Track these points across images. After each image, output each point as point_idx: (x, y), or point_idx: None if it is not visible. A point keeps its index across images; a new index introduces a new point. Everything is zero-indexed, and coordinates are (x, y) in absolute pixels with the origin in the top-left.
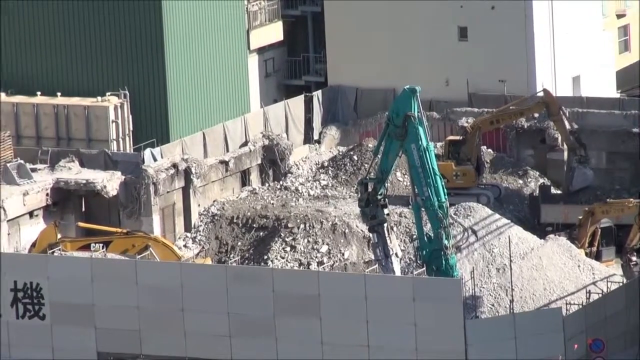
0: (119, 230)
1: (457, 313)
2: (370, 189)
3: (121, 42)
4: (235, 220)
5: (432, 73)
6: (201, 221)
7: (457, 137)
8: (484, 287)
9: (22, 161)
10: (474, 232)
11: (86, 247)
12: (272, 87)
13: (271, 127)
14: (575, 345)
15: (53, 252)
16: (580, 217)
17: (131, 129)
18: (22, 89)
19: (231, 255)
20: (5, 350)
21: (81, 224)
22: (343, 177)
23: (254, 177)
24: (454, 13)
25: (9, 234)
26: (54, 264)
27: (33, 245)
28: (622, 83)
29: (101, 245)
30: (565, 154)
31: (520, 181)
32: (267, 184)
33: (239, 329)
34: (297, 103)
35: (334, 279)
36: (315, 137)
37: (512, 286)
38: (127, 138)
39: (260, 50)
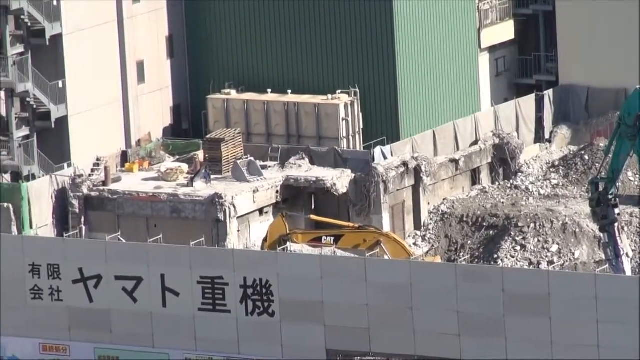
0: (351, 224)
1: None
2: (601, 189)
3: (352, 40)
4: (465, 219)
5: None
6: (431, 219)
7: None
8: None
9: (252, 158)
10: None
11: (317, 240)
12: (502, 86)
13: (502, 126)
14: None
15: (284, 249)
16: None
17: (361, 126)
18: (252, 86)
19: (461, 254)
20: (234, 347)
21: (313, 217)
22: (574, 176)
23: (484, 176)
24: None
25: (238, 231)
26: (283, 261)
27: (265, 239)
28: None
29: (332, 238)
30: None
31: None
32: (497, 183)
33: (468, 328)
34: (528, 102)
35: (564, 279)
36: (546, 136)
37: None
38: (357, 136)
39: (491, 49)
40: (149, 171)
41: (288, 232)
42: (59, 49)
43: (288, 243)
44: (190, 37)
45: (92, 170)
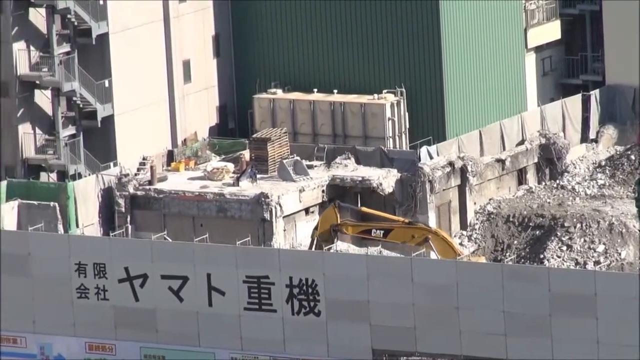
0: (401, 219)
1: None
2: None
3: (398, 40)
4: (511, 219)
5: None
6: (477, 219)
7: None
8: None
9: (298, 158)
10: None
11: (366, 233)
12: (549, 86)
13: (548, 126)
14: None
15: (329, 248)
16: None
17: (407, 126)
18: (299, 85)
19: (507, 254)
20: (280, 346)
21: (364, 209)
22: (620, 176)
23: (531, 176)
24: None
25: (284, 230)
26: (329, 260)
27: (315, 228)
28: None
29: (381, 232)
30: None
31: None
32: (543, 183)
33: (514, 327)
34: (574, 102)
35: (610, 279)
36: (592, 136)
37: None
38: (403, 136)
39: (538, 49)
40: (195, 170)
41: (339, 222)
42: (106, 48)
43: (336, 239)
44: (237, 36)
45: (138, 170)
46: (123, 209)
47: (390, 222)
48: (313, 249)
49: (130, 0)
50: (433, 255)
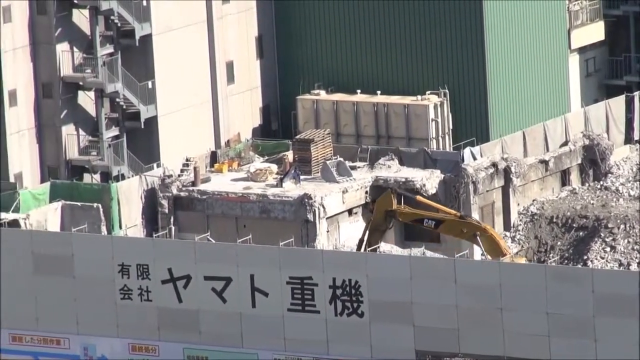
0: (453, 212)
1: None
2: None
3: (441, 41)
4: (554, 220)
5: None
6: (520, 220)
7: None
8: None
9: (341, 159)
10: None
11: (419, 222)
12: (592, 87)
13: (592, 127)
14: None
15: (375, 249)
16: None
17: (451, 127)
18: (342, 86)
19: (550, 255)
20: (323, 347)
21: (419, 198)
22: None
23: (574, 177)
24: None
25: (328, 231)
26: (373, 261)
27: (370, 211)
28: None
29: (433, 222)
30: None
31: None
32: (587, 184)
33: (557, 329)
34: (618, 103)
35: None
36: (636, 137)
37: None
38: (446, 137)
39: (581, 50)
40: (238, 171)
41: (395, 207)
42: (149, 50)
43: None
44: (280, 37)
45: (182, 171)
46: (166, 210)
47: (444, 214)
48: (365, 236)
49: (173, 1)
50: (479, 252)
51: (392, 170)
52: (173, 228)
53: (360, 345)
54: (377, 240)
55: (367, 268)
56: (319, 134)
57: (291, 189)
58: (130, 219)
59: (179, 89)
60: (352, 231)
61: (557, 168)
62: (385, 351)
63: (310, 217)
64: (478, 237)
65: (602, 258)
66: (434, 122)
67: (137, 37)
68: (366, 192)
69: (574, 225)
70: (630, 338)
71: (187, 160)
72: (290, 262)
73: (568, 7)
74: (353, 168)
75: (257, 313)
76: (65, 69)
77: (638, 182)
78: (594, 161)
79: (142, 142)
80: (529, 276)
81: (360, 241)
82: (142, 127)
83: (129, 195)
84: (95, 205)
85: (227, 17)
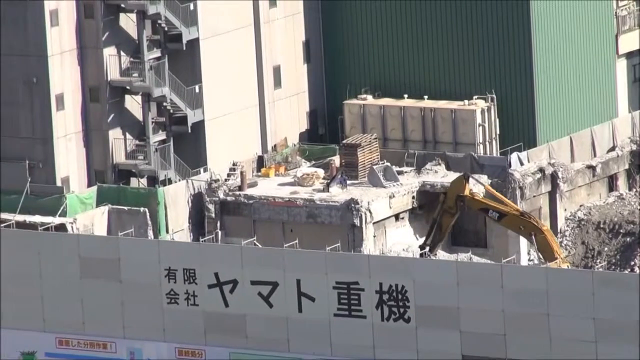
0: (515, 207)
1: None
2: None
3: (488, 46)
4: (602, 226)
5: None
6: (567, 226)
7: None
8: None
9: (388, 164)
10: None
11: (484, 210)
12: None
13: (639, 132)
14: None
15: (422, 254)
16: None
17: (498, 132)
18: (389, 91)
19: (597, 261)
20: (369, 352)
21: (488, 187)
22: None
23: (621, 183)
24: None
25: (374, 236)
26: (419, 267)
27: (444, 193)
28: None
29: (497, 215)
30: None
31: None
32: (634, 190)
33: (604, 334)
34: None
35: None
36: None
37: None
38: (493, 142)
39: (629, 55)
40: (285, 176)
41: (466, 193)
42: (196, 54)
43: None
44: (327, 41)
45: (228, 175)
46: (213, 215)
47: (509, 208)
48: (437, 216)
49: (220, 6)
50: (525, 258)
51: (438, 175)
52: (220, 232)
53: (406, 351)
54: (447, 223)
55: (413, 273)
56: (366, 138)
57: (338, 194)
58: (176, 223)
59: (226, 93)
60: (399, 236)
61: (604, 173)
62: (432, 356)
63: (357, 222)
64: (533, 237)
65: None
66: (481, 127)
67: (184, 41)
68: (413, 197)
69: (621, 231)
70: None
71: (234, 164)
72: (337, 267)
73: (615, 13)
74: (400, 173)
75: (304, 318)
76: (113, 73)
77: None
78: None
79: (189, 146)
80: (576, 282)
81: (431, 226)
82: (189, 131)
83: (176, 199)
84: (142, 209)
85: (274, 21)
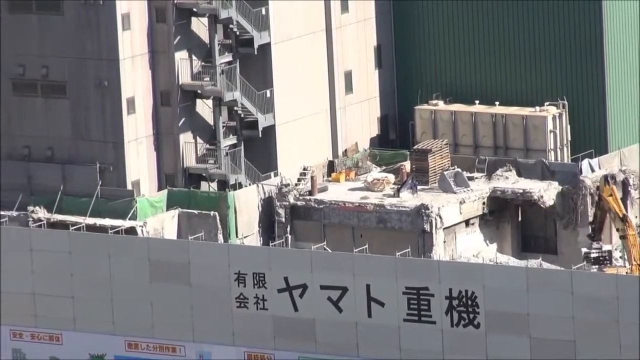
0: (622, 210)
1: None
2: None
3: (560, 51)
4: None
5: None
6: (638, 233)
7: None
8: None
9: (459, 169)
10: None
11: (608, 212)
12: None
13: None
14: None
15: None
16: None
17: (569, 139)
18: (460, 97)
19: None
20: (439, 358)
21: (613, 188)
22: None
23: None
24: None
25: (444, 242)
26: (489, 272)
27: (597, 188)
28: None
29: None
30: None
31: None
32: None
33: None
34: None
35: None
36: None
37: None
38: (564, 148)
39: None
40: (355, 181)
41: (602, 193)
42: (267, 58)
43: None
44: (399, 47)
45: (299, 180)
46: (283, 219)
47: (618, 209)
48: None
49: (292, 10)
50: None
51: (509, 181)
52: (290, 237)
53: (475, 356)
54: (603, 218)
55: (483, 279)
56: (437, 144)
57: (408, 199)
58: (247, 227)
59: (297, 98)
60: (469, 242)
61: None
62: None
63: (427, 227)
64: (624, 241)
65: None
66: (552, 134)
67: (255, 46)
68: (483, 203)
69: None
70: None
71: (304, 169)
72: (407, 272)
73: None
74: (470, 179)
75: (373, 323)
76: (184, 77)
77: None
78: None
79: (260, 150)
80: None
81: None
82: (260, 135)
83: (246, 203)
84: (212, 213)
85: (346, 26)
